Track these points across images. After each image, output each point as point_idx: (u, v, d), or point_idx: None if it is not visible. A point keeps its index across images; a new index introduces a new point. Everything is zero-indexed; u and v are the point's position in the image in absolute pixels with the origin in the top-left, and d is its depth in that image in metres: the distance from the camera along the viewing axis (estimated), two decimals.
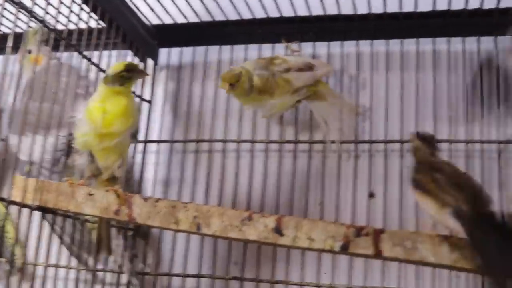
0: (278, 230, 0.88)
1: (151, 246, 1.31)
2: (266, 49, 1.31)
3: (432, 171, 0.87)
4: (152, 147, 1.36)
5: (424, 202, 0.86)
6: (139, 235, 1.30)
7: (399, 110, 1.22)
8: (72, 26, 1.15)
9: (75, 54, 1.18)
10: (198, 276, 1.24)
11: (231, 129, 1.30)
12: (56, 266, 1.22)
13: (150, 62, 1.39)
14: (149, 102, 1.37)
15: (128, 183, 1.26)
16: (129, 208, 0.95)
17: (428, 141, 0.95)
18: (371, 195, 1.21)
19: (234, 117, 1.30)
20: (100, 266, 1.28)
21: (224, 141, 1.30)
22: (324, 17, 1.25)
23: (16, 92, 1.01)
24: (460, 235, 0.81)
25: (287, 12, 1.25)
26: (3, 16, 1.02)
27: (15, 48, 1.20)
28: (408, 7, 1.19)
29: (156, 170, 1.35)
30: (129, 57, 1.33)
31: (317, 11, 1.24)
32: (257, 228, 0.89)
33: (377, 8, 1.21)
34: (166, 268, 1.28)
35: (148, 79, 1.35)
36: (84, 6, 1.15)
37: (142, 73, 1.08)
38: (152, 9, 1.27)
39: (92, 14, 1.17)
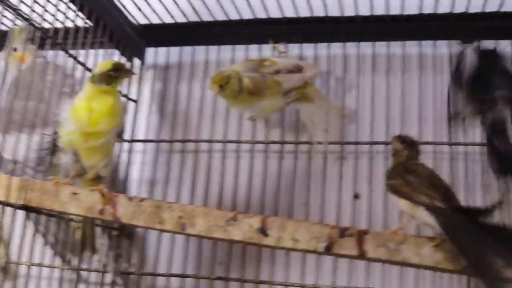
0: (262, 231, 0.88)
1: (136, 245, 1.31)
2: (253, 50, 1.32)
3: (405, 174, 0.88)
4: (138, 146, 1.36)
5: (400, 203, 0.87)
6: (124, 235, 1.29)
7: (384, 112, 1.23)
8: (58, 25, 1.14)
9: (61, 52, 1.18)
10: (183, 276, 1.24)
11: (217, 129, 1.30)
12: (40, 265, 1.21)
13: (137, 61, 1.39)
14: (136, 101, 1.36)
15: (113, 182, 1.26)
16: (113, 207, 0.95)
17: (409, 144, 0.96)
18: (356, 196, 1.21)
19: (220, 118, 1.30)
20: (84, 266, 1.27)
21: (210, 141, 1.30)
22: (311, 19, 1.26)
23: (1, 91, 1.00)
24: (436, 229, 0.82)
25: (275, 13, 1.25)
26: None
27: (0, 46, 1.20)
28: (394, 10, 1.20)
29: (141, 169, 1.35)
30: (116, 56, 1.32)
31: (304, 12, 1.24)
32: (242, 229, 0.89)
33: (364, 11, 1.22)
34: (150, 268, 1.28)
35: (135, 78, 1.35)
36: (71, 5, 1.15)
37: (129, 73, 1.08)
38: (139, 9, 1.27)
39: (79, 13, 1.17)
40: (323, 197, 1.21)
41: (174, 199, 1.27)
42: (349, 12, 1.23)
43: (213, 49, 1.35)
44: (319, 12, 1.23)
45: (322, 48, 1.29)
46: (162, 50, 1.40)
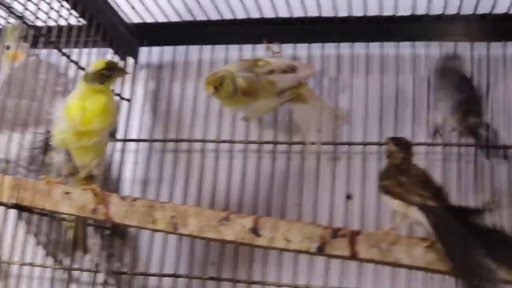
0: (255, 231, 0.88)
1: (128, 245, 1.30)
2: (247, 50, 1.31)
3: (398, 175, 0.89)
4: (131, 146, 1.36)
5: (393, 204, 0.87)
6: (116, 234, 1.29)
7: (378, 112, 1.23)
8: (51, 23, 1.14)
9: (55, 51, 1.17)
10: (175, 276, 1.24)
11: (211, 129, 1.30)
12: (31, 264, 1.21)
13: (130, 60, 1.39)
14: (129, 100, 1.36)
15: (106, 182, 1.26)
16: (106, 207, 0.95)
17: (402, 145, 0.96)
18: (348, 197, 1.21)
19: (214, 117, 1.30)
20: (76, 265, 1.27)
21: (203, 141, 1.30)
22: (305, 19, 1.26)
23: None
24: (428, 229, 0.82)
25: (268, 13, 1.25)
26: None
27: None
28: (388, 11, 1.21)
29: (134, 169, 1.34)
30: (110, 55, 1.32)
31: (298, 13, 1.24)
32: (234, 229, 0.89)
33: (358, 11, 1.22)
34: (143, 268, 1.28)
35: (128, 77, 1.34)
36: (65, 3, 1.15)
37: (122, 72, 1.07)
38: (133, 8, 1.27)
39: (72, 11, 1.17)
40: (316, 198, 1.22)
41: (167, 199, 1.27)
42: (343, 12, 1.23)
43: (206, 48, 1.35)
44: (312, 13, 1.24)
45: (316, 48, 1.29)
46: (155, 49, 1.40)
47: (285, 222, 0.89)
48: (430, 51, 1.24)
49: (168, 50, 1.39)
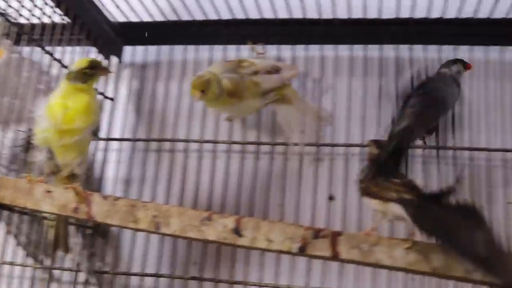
0: (237, 231, 0.88)
1: (110, 244, 1.30)
2: (232, 50, 1.32)
3: (375, 176, 0.89)
4: (114, 145, 1.35)
5: (372, 203, 0.88)
6: (98, 234, 1.29)
7: (360, 114, 1.24)
8: (35, 21, 1.13)
9: (38, 49, 1.16)
10: (157, 275, 1.23)
11: (194, 129, 1.30)
12: (12, 264, 1.20)
13: (114, 59, 1.38)
14: (112, 99, 1.36)
15: (88, 181, 1.25)
16: (88, 206, 0.94)
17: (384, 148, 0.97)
18: (331, 198, 1.22)
19: (197, 117, 1.30)
20: (57, 265, 1.26)
21: (186, 141, 1.30)
22: (290, 21, 1.26)
23: None
24: (408, 221, 0.83)
25: (253, 14, 1.25)
26: None
27: None
28: (372, 14, 1.21)
29: (117, 168, 1.34)
30: (93, 54, 1.31)
31: (282, 14, 1.25)
32: (216, 229, 0.89)
33: (342, 14, 1.23)
34: (124, 267, 1.27)
35: (112, 76, 1.34)
36: (48, 1, 1.14)
37: (106, 71, 1.07)
38: (118, 7, 1.27)
39: (56, 9, 1.16)
40: (299, 198, 1.22)
41: (149, 198, 1.27)
42: (327, 14, 1.23)
43: (191, 48, 1.35)
44: (297, 14, 1.24)
45: (300, 50, 1.30)
46: (140, 48, 1.39)
47: (267, 222, 0.89)
48: (413, 54, 1.25)
49: (152, 49, 1.38)
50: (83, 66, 1.00)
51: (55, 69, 1.19)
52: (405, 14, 1.20)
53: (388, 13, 1.21)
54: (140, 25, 1.34)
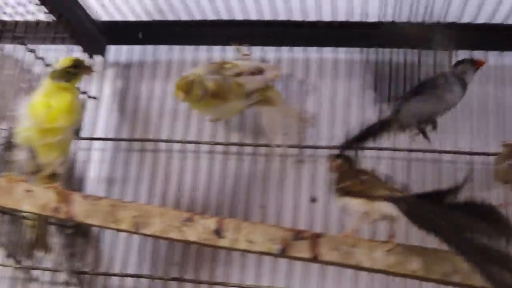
0: (218, 232, 0.89)
1: (91, 244, 1.29)
2: (216, 51, 1.32)
3: (357, 175, 0.90)
4: (97, 144, 1.34)
5: (354, 204, 0.88)
6: (79, 234, 1.28)
7: (343, 117, 1.24)
8: (18, 18, 1.13)
9: (21, 47, 1.16)
10: (138, 276, 1.23)
11: (177, 129, 1.29)
12: None
13: (98, 58, 1.37)
14: (96, 99, 1.35)
15: (70, 180, 1.24)
16: (68, 206, 0.94)
17: (346, 158, 0.99)
18: (313, 200, 1.22)
19: (181, 118, 1.30)
20: (37, 265, 1.25)
21: (169, 141, 1.29)
22: (274, 22, 1.26)
23: None
24: (397, 220, 0.83)
25: (238, 16, 1.26)
26: None
27: None
28: (356, 17, 1.22)
29: (100, 168, 1.33)
30: (77, 52, 1.31)
31: (267, 16, 1.25)
32: (197, 230, 0.89)
33: (327, 17, 1.23)
34: (105, 268, 1.27)
35: (96, 76, 1.33)
36: None
37: (89, 70, 1.07)
38: (103, 6, 1.26)
39: (41, 7, 1.15)
40: (281, 200, 1.22)
41: (131, 198, 1.27)
42: (312, 17, 1.24)
43: (175, 48, 1.35)
44: (282, 16, 1.24)
45: (284, 52, 1.31)
46: (124, 48, 1.39)
47: (248, 224, 0.89)
48: (396, 57, 1.25)
49: (136, 49, 1.38)
50: (66, 65, 1.00)
51: (38, 67, 1.18)
52: (388, 18, 1.21)
53: (373, 17, 1.21)
54: (124, 25, 1.34)
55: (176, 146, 1.30)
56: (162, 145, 1.31)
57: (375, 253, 0.85)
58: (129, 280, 1.24)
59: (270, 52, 1.31)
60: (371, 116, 1.23)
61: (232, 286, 1.20)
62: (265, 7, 1.22)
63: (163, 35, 1.34)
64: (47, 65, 1.19)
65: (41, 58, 1.18)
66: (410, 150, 1.19)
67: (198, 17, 1.28)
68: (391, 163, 1.20)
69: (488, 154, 1.17)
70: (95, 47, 1.35)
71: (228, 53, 1.30)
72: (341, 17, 1.23)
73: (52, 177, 1.02)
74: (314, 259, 0.86)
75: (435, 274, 0.83)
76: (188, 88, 1.07)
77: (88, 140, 1.32)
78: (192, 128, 1.29)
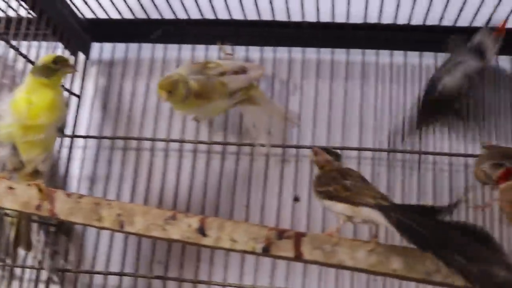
0: (201, 231, 0.89)
1: (74, 242, 1.28)
2: (200, 50, 1.32)
3: (341, 179, 0.90)
4: (79, 142, 1.34)
5: (338, 207, 0.88)
6: (61, 231, 1.27)
7: (326, 117, 1.25)
8: (0, 14, 1.12)
9: (2, 43, 1.15)
10: (121, 274, 1.23)
11: (161, 128, 1.29)
12: None
13: (81, 56, 1.37)
14: (78, 96, 1.34)
15: (53, 178, 1.24)
16: (51, 203, 0.93)
17: (334, 154, 1.00)
18: (296, 199, 1.23)
19: (164, 116, 1.30)
20: (19, 262, 1.24)
21: (153, 139, 1.29)
22: (259, 22, 1.27)
23: None
24: (382, 225, 0.84)
25: (222, 15, 1.26)
26: None
27: None
28: (340, 18, 1.23)
29: (82, 166, 1.32)
30: (60, 49, 1.30)
31: (252, 15, 1.25)
32: (181, 228, 0.89)
33: (311, 17, 1.24)
34: (88, 266, 1.26)
35: (79, 73, 1.33)
36: None
37: (71, 67, 1.06)
38: (86, 3, 1.25)
39: (22, 3, 1.14)
40: (264, 199, 1.23)
41: (114, 197, 1.26)
42: (296, 17, 1.25)
43: (159, 47, 1.34)
44: (266, 16, 1.25)
45: (268, 52, 1.31)
46: (107, 45, 1.38)
47: (231, 222, 0.89)
48: (380, 59, 1.27)
49: (120, 47, 1.37)
50: (48, 62, 0.99)
51: (20, 64, 1.17)
52: (372, 19, 1.22)
53: (356, 18, 1.23)
54: (108, 22, 1.33)
55: (160, 144, 1.30)
56: (145, 144, 1.31)
57: (357, 253, 0.85)
58: (112, 278, 1.24)
59: (254, 52, 1.32)
60: (353, 116, 1.25)
61: (215, 284, 1.20)
62: (249, 7, 1.22)
63: (147, 33, 1.34)
64: (30, 61, 1.18)
65: (24, 55, 1.17)
66: (393, 151, 1.20)
67: (182, 16, 1.28)
68: (374, 163, 1.21)
69: (468, 156, 1.19)
70: (78, 44, 1.35)
71: (212, 52, 1.30)
72: (325, 18, 1.24)
73: (35, 174, 1.01)
74: (297, 258, 0.86)
75: (417, 274, 0.83)
76: (171, 88, 1.07)
77: (71, 138, 1.31)
78: (176, 126, 1.29)
